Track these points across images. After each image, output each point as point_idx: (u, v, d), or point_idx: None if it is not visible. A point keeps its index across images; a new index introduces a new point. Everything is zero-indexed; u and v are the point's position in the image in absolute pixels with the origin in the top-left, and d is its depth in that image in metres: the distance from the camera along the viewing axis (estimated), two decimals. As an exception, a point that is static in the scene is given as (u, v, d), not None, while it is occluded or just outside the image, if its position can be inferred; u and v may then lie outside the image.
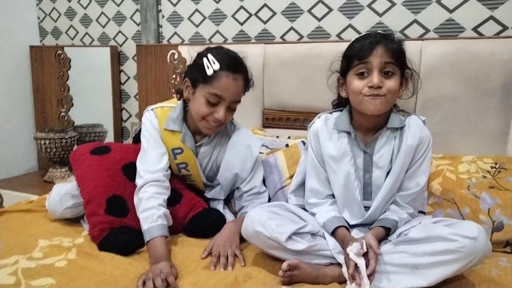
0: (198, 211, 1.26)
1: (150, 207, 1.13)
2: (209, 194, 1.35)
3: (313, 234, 1.05)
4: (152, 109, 1.32)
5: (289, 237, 0.99)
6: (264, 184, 1.37)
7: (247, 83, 1.25)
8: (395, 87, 1.06)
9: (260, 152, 1.45)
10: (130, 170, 1.28)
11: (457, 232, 0.91)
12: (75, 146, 2.15)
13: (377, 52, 1.05)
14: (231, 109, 1.22)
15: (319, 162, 1.18)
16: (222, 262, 1.06)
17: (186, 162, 1.30)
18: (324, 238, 1.06)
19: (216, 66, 1.16)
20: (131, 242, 1.14)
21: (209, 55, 1.18)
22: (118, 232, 1.15)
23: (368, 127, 1.14)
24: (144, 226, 1.11)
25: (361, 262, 0.92)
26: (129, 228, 1.17)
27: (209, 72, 1.16)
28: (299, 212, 1.11)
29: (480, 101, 1.45)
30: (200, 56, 1.22)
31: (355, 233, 1.10)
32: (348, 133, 1.15)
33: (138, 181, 1.20)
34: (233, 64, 1.20)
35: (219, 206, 1.35)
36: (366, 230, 1.10)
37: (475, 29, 1.53)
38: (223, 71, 1.17)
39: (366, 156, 1.14)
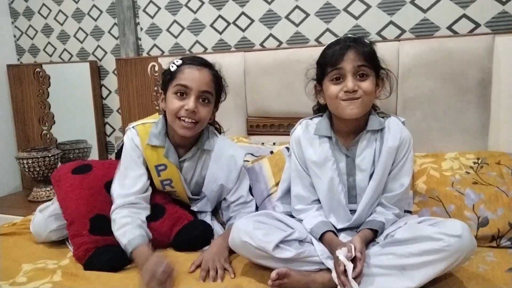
0: (183, 224, 1.24)
1: (126, 223, 1.14)
2: (195, 207, 1.34)
3: (301, 241, 1.05)
4: (133, 127, 1.30)
5: (277, 246, 0.99)
6: (251, 193, 1.36)
7: (217, 79, 1.26)
8: (370, 88, 1.08)
9: (245, 160, 1.45)
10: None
11: (442, 231, 0.92)
12: (59, 164, 2.12)
13: (348, 57, 1.07)
14: (203, 102, 1.21)
15: (303, 168, 1.18)
16: (211, 275, 1.05)
17: (170, 178, 1.28)
18: (312, 244, 1.06)
19: (179, 62, 1.23)
20: (117, 260, 1.13)
21: (174, 59, 1.26)
22: (103, 251, 1.14)
23: (348, 131, 1.15)
24: (124, 240, 1.11)
25: (349, 266, 0.92)
26: (113, 246, 1.15)
27: (173, 68, 1.22)
28: (285, 219, 1.10)
29: (459, 97, 1.47)
30: (169, 66, 1.26)
31: (342, 236, 1.10)
32: (330, 138, 1.15)
33: (113, 204, 1.20)
34: (196, 59, 1.25)
35: (207, 218, 1.34)
36: (353, 233, 1.10)
37: (449, 27, 1.56)
38: (186, 64, 1.22)
39: (348, 159, 1.14)
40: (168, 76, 1.23)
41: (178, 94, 1.20)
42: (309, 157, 1.16)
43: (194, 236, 1.22)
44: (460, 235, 0.90)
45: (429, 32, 1.59)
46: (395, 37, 1.63)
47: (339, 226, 1.12)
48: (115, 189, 1.22)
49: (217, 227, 1.31)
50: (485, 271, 1.03)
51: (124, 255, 1.13)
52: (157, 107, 1.46)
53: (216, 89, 1.26)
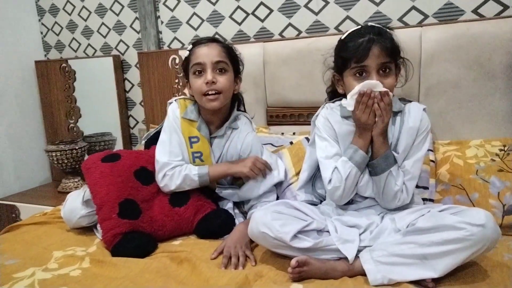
0: (206, 212, 1.27)
1: (183, 169, 1.28)
2: (221, 193, 1.37)
3: (319, 231, 1.05)
4: (175, 100, 1.39)
5: (294, 236, 1.00)
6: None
7: (227, 49, 1.32)
8: (393, 84, 1.09)
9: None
10: (142, 175, 1.32)
11: (465, 220, 0.90)
12: (86, 156, 2.19)
13: (373, 53, 1.06)
14: (220, 72, 1.28)
15: (335, 141, 1.18)
16: (233, 262, 1.07)
17: (201, 151, 1.33)
18: (329, 233, 1.06)
19: (190, 46, 1.33)
20: (144, 247, 1.17)
21: (188, 47, 1.35)
22: (130, 238, 1.18)
23: None
24: (193, 172, 1.27)
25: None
26: (141, 232, 1.20)
27: (187, 54, 1.32)
28: (304, 209, 1.11)
29: (485, 83, 1.43)
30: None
31: (365, 214, 1.12)
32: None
33: (159, 171, 1.29)
34: (204, 38, 1.34)
35: (229, 207, 1.36)
36: (378, 210, 1.13)
37: (475, 11, 1.51)
38: (195, 46, 1.31)
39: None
40: (185, 63, 1.34)
41: (196, 73, 1.28)
42: (339, 131, 1.17)
43: (216, 225, 1.25)
44: (484, 225, 0.88)
45: (454, 16, 1.54)
46: (418, 23, 1.59)
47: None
48: (161, 157, 1.30)
49: (239, 217, 1.34)
50: (510, 260, 1.01)
51: (150, 243, 1.18)
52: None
53: (229, 58, 1.31)
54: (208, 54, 1.27)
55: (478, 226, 0.88)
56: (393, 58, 1.09)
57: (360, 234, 1.05)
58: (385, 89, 1.05)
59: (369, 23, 1.13)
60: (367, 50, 1.06)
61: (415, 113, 1.13)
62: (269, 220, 1.02)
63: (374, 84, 1.05)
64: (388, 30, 1.12)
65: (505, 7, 1.46)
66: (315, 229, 1.04)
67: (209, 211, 1.29)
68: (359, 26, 1.15)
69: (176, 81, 2.02)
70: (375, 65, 1.07)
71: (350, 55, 1.09)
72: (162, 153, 1.31)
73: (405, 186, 1.10)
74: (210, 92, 1.26)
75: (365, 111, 1.06)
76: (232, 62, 1.32)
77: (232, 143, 1.35)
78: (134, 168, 1.33)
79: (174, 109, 1.36)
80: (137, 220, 1.21)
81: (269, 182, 1.34)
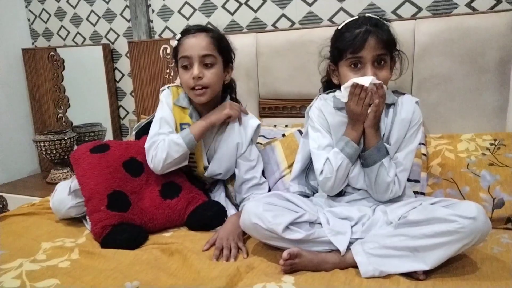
0: (197, 204, 1.26)
1: (167, 138, 1.25)
2: (208, 173, 1.35)
3: (311, 223, 1.05)
4: (168, 87, 1.38)
5: (286, 227, 0.99)
6: (264, 176, 1.37)
7: (216, 40, 1.28)
8: (387, 77, 1.09)
9: (258, 143, 1.46)
10: (131, 166, 1.29)
11: (456, 213, 0.91)
12: (75, 147, 2.16)
13: (369, 45, 1.06)
14: (206, 66, 1.26)
15: (327, 132, 1.18)
16: (225, 254, 1.07)
17: None
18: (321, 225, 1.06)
19: (178, 36, 1.30)
20: (134, 238, 1.16)
21: (177, 36, 1.32)
22: (120, 229, 1.16)
23: None
24: (179, 141, 1.23)
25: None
26: (131, 224, 1.18)
27: (175, 44, 1.30)
28: (296, 200, 1.11)
29: (477, 77, 1.43)
30: None
31: (357, 206, 1.12)
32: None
33: (148, 144, 1.28)
34: (192, 28, 1.29)
35: (221, 199, 1.36)
36: (370, 203, 1.13)
37: (468, 4, 1.51)
38: (183, 36, 1.28)
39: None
40: (174, 53, 1.32)
41: (184, 66, 1.27)
42: (332, 122, 1.17)
43: (208, 216, 1.24)
44: (475, 217, 0.89)
45: (447, 10, 1.54)
46: (411, 16, 1.59)
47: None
48: (153, 130, 1.29)
49: (230, 209, 1.33)
50: (499, 252, 1.02)
51: (140, 235, 1.17)
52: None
53: (218, 49, 1.27)
54: (195, 47, 1.24)
55: (470, 218, 0.89)
56: (388, 51, 1.09)
57: (352, 226, 1.05)
58: (379, 81, 1.05)
59: (367, 14, 1.12)
60: (363, 41, 1.05)
61: (407, 105, 1.13)
62: (261, 211, 1.02)
63: (368, 79, 1.05)
64: (385, 22, 1.11)
65: (498, 1, 1.46)
66: (307, 221, 1.04)
67: (200, 203, 1.28)
68: (357, 17, 1.13)
69: (167, 71, 1.99)
70: (371, 57, 1.06)
71: (346, 46, 1.08)
72: (154, 128, 1.30)
73: (397, 178, 1.10)
74: (197, 87, 1.25)
75: (358, 103, 1.07)
76: (221, 52, 1.29)
77: (220, 130, 1.34)
78: (123, 159, 1.31)
79: (166, 95, 1.35)
80: (126, 212, 1.20)
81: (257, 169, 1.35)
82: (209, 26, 1.37)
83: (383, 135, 1.13)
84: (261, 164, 1.37)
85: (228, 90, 1.40)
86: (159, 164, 1.24)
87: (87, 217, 1.25)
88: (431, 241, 0.91)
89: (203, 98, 1.26)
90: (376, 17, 1.11)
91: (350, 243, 1.01)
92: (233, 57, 1.36)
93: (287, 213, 1.03)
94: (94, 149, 1.33)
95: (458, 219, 0.90)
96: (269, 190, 1.37)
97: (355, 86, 1.05)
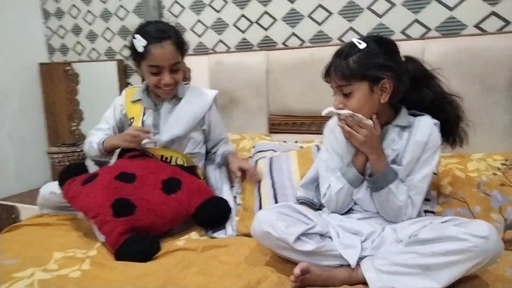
0: (203, 198, 1.32)
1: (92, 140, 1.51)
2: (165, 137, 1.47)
3: (322, 235, 1.05)
4: (125, 89, 1.58)
5: (298, 238, 1.00)
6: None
7: (178, 45, 1.42)
8: (356, 105, 1.06)
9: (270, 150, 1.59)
10: (122, 177, 1.33)
11: (468, 232, 0.90)
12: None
13: (331, 76, 1.09)
14: (174, 71, 1.41)
15: (332, 152, 1.20)
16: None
17: (133, 116, 1.50)
18: (332, 239, 1.06)
19: (143, 42, 1.36)
20: (147, 249, 1.17)
21: (136, 36, 1.38)
22: (133, 240, 1.17)
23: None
24: (94, 145, 1.47)
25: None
26: (143, 236, 1.20)
27: (140, 50, 1.37)
28: (307, 213, 1.11)
29: (486, 98, 1.44)
30: (132, 37, 1.40)
31: (364, 226, 1.11)
32: None
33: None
34: (157, 34, 1.37)
35: (225, 191, 1.47)
36: (380, 220, 1.13)
37: (477, 25, 1.53)
38: (150, 44, 1.36)
39: None
40: (138, 54, 1.39)
41: (153, 73, 1.39)
42: (343, 140, 1.18)
43: (214, 214, 1.33)
44: (487, 236, 0.88)
45: (456, 30, 1.56)
46: (420, 36, 1.61)
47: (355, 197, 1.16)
48: (97, 125, 1.55)
49: (225, 184, 1.52)
50: (511, 274, 1.01)
51: (153, 244, 1.19)
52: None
53: (181, 53, 1.44)
54: (165, 58, 1.37)
55: (481, 237, 0.88)
56: (353, 79, 1.04)
57: (361, 242, 1.05)
58: (339, 111, 1.07)
59: (353, 39, 1.08)
60: (327, 73, 1.10)
61: (424, 127, 1.09)
62: (274, 220, 1.02)
63: (330, 109, 1.10)
64: (359, 43, 1.05)
65: (507, 22, 1.48)
66: (318, 233, 1.04)
67: (208, 198, 1.34)
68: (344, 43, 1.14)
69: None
70: (335, 87, 1.09)
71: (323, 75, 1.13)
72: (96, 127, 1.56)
73: (411, 200, 1.09)
74: (165, 88, 1.42)
75: (341, 131, 1.11)
76: (183, 54, 1.44)
77: (179, 108, 1.48)
78: (114, 174, 1.34)
79: (119, 98, 1.57)
80: (133, 215, 1.22)
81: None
82: (165, 22, 1.49)
83: (397, 156, 1.12)
84: (223, 125, 1.59)
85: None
86: (89, 156, 1.54)
87: (99, 232, 1.25)
88: (443, 259, 0.91)
89: (171, 95, 1.46)
90: (354, 41, 1.06)
91: (360, 259, 1.01)
92: (187, 50, 1.48)
93: (299, 223, 1.04)
94: (85, 181, 1.34)
95: (470, 238, 0.89)
96: (276, 196, 1.38)
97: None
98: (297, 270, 0.96)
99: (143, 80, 1.56)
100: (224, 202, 1.38)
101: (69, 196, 1.34)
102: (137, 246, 1.16)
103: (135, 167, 1.37)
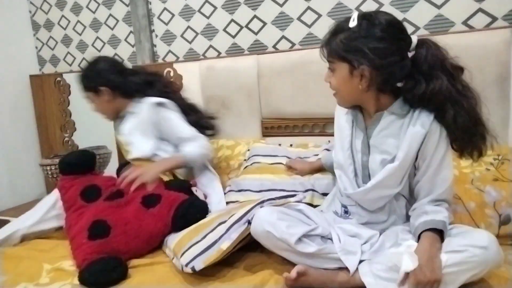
0: (178, 203, 1.27)
1: None
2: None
3: (323, 237, 1.04)
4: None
5: (299, 239, 0.98)
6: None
7: (88, 85, 1.61)
8: (337, 83, 1.04)
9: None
10: (113, 196, 1.33)
11: (467, 243, 0.89)
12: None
13: (323, 50, 1.06)
14: (92, 103, 1.66)
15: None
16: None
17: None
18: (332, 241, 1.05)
19: None
20: (112, 270, 1.08)
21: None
22: (99, 261, 1.09)
23: (369, 110, 1.08)
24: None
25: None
26: (109, 257, 1.12)
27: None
28: (309, 213, 1.09)
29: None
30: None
31: (364, 230, 1.07)
32: (356, 113, 1.13)
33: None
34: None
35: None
36: (380, 225, 1.09)
37: (465, 22, 1.53)
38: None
39: (364, 138, 1.10)
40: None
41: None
42: (338, 124, 1.18)
43: (191, 214, 1.25)
44: (486, 247, 0.88)
45: (444, 28, 1.56)
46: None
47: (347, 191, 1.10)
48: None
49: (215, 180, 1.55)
50: (506, 270, 1.00)
51: (118, 267, 1.10)
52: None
53: (91, 87, 1.60)
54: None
55: (481, 248, 0.88)
56: (338, 56, 1.00)
57: (361, 245, 1.03)
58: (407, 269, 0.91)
59: (353, 14, 1.01)
60: (320, 48, 1.07)
61: (424, 118, 1.00)
62: (275, 220, 1.00)
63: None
64: (350, 25, 0.99)
65: (494, 18, 1.49)
66: (320, 235, 1.02)
67: (183, 201, 1.28)
68: None
69: (171, 94, 2.03)
70: (328, 63, 1.06)
71: None
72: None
73: (446, 206, 1.02)
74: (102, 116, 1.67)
75: None
76: (95, 86, 1.60)
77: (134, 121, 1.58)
78: (107, 194, 1.35)
79: None
80: (108, 237, 1.17)
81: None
82: (81, 74, 1.64)
83: (397, 145, 1.02)
84: (175, 119, 1.56)
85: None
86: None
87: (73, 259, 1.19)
88: (442, 271, 0.89)
89: (109, 119, 1.74)
90: (343, 20, 1.02)
91: (359, 262, 1.00)
92: (101, 81, 1.59)
93: (301, 224, 1.02)
94: (84, 195, 1.37)
95: (469, 249, 0.88)
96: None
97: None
98: (293, 273, 0.95)
99: None
100: (200, 201, 1.36)
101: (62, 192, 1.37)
102: (101, 266, 1.08)
103: (125, 188, 1.38)
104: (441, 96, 0.97)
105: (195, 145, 1.50)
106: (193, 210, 1.26)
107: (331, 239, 1.05)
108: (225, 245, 1.05)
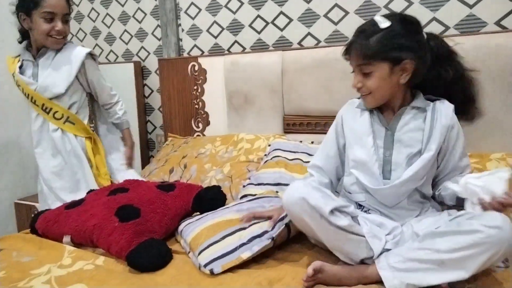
0: (199, 190, 1.37)
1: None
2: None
3: (353, 217, 1.03)
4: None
5: (331, 212, 0.97)
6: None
7: (69, 1, 1.56)
8: (374, 85, 1.05)
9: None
10: (116, 191, 1.36)
11: (481, 223, 0.88)
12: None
13: (352, 54, 1.07)
14: (65, 21, 1.55)
15: (335, 140, 1.21)
16: None
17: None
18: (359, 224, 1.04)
19: None
20: (163, 257, 1.10)
21: None
22: (149, 244, 1.10)
23: (389, 106, 1.12)
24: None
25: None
26: (159, 241, 1.14)
27: None
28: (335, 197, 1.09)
29: (507, 96, 1.40)
30: None
31: (388, 220, 1.08)
32: (371, 112, 1.14)
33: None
34: None
35: None
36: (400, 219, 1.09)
37: (497, 23, 1.49)
38: None
39: (388, 133, 1.11)
40: (31, 4, 1.49)
41: (46, 19, 1.50)
42: (350, 126, 1.16)
43: (211, 198, 1.35)
44: (500, 226, 0.86)
45: (475, 28, 1.53)
46: (439, 34, 1.58)
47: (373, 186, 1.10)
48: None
49: None
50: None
51: (168, 252, 1.12)
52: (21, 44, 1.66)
53: (69, 6, 1.58)
54: (60, 6, 1.51)
55: (495, 228, 0.86)
56: (374, 58, 1.03)
57: (386, 235, 1.03)
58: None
59: (376, 17, 1.06)
60: (348, 51, 1.08)
61: (446, 111, 1.08)
62: (311, 189, 1.00)
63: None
64: (380, 24, 1.03)
65: (529, 19, 1.44)
66: (350, 214, 1.02)
67: (198, 191, 1.36)
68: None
69: (195, 87, 2.05)
70: (354, 66, 1.08)
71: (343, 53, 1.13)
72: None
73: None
74: (57, 37, 1.52)
75: None
76: (70, 8, 1.58)
77: (56, 60, 1.57)
78: (105, 193, 1.36)
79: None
80: (140, 218, 1.18)
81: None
82: None
83: (421, 139, 1.07)
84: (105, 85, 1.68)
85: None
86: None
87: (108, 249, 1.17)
88: (457, 254, 0.88)
89: (59, 46, 1.57)
90: (376, 19, 1.04)
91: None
92: (72, 11, 1.62)
93: (333, 199, 1.02)
94: (69, 207, 1.33)
95: (483, 229, 0.87)
96: None
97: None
98: (310, 270, 0.94)
99: (23, 37, 1.63)
100: (215, 187, 1.43)
101: (49, 223, 1.28)
102: (152, 251, 1.08)
103: (124, 184, 1.44)
104: (459, 77, 1.12)
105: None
106: (213, 194, 1.36)
107: (357, 222, 1.03)
108: (245, 255, 1.06)
